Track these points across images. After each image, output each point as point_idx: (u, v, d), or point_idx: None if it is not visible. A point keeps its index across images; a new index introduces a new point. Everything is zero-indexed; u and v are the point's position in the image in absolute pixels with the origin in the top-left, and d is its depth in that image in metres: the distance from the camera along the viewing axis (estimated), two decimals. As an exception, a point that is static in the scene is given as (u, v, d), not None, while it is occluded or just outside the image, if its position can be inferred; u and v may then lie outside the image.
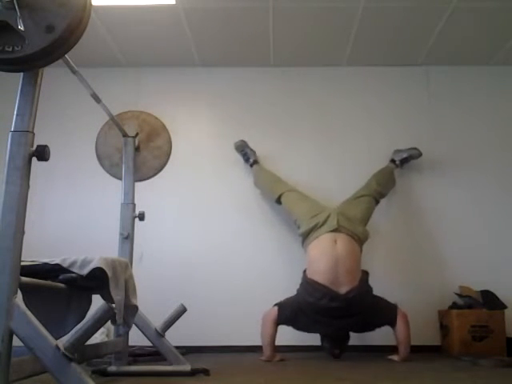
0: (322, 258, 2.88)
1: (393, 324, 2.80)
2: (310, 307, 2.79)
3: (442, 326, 3.28)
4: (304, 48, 3.62)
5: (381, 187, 3.37)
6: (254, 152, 3.62)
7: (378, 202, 3.34)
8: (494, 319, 3.07)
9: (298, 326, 2.90)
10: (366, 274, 2.94)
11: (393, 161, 3.57)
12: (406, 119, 3.76)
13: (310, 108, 3.80)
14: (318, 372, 2.41)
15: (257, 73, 3.87)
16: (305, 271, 2.98)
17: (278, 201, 3.41)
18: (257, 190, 3.64)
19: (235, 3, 3.11)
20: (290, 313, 2.83)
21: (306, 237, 3.08)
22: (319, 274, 2.83)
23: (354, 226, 3.04)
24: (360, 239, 3.04)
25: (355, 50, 3.63)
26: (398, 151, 3.59)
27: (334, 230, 2.96)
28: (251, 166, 3.62)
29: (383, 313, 2.82)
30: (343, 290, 2.78)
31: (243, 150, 3.62)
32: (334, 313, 2.75)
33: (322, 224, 3.02)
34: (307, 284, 2.88)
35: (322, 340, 2.98)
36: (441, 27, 3.32)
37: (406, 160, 3.57)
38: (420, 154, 3.56)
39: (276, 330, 2.84)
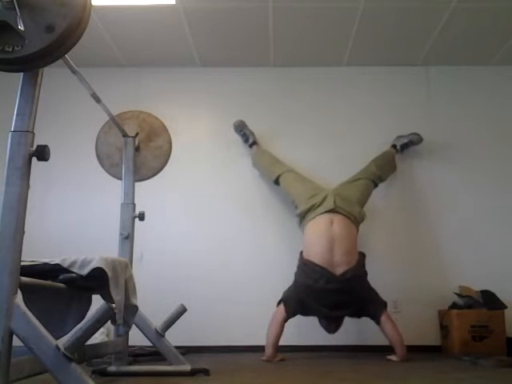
0: (319, 238, 2.91)
1: (376, 319, 2.82)
2: (310, 290, 2.81)
3: (442, 326, 3.28)
4: (304, 48, 3.62)
5: (380, 171, 3.38)
6: (253, 133, 3.63)
7: (376, 185, 3.36)
8: (494, 319, 3.07)
9: (308, 313, 2.92)
10: (362, 255, 2.97)
11: (394, 146, 3.59)
12: (405, 119, 3.75)
13: (310, 108, 3.80)
14: (318, 372, 2.41)
15: (257, 73, 3.87)
16: (301, 252, 3.00)
17: (276, 181, 3.42)
18: (258, 188, 3.64)
19: (235, 3, 3.11)
20: (295, 304, 2.86)
21: (302, 217, 3.11)
22: (316, 255, 2.86)
23: (351, 206, 3.06)
24: (356, 220, 3.06)
25: (355, 50, 3.63)
26: (399, 137, 3.62)
27: (331, 211, 2.99)
28: (250, 146, 3.63)
29: (372, 304, 2.85)
30: (339, 270, 2.81)
31: (242, 130, 3.63)
32: (331, 296, 2.78)
33: (319, 205, 3.04)
34: (304, 265, 2.90)
35: (319, 318, 2.99)
36: (441, 27, 3.32)
37: (406, 145, 3.58)
38: (421, 139, 3.58)
39: (282, 330, 2.86)
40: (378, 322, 2.83)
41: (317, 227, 2.97)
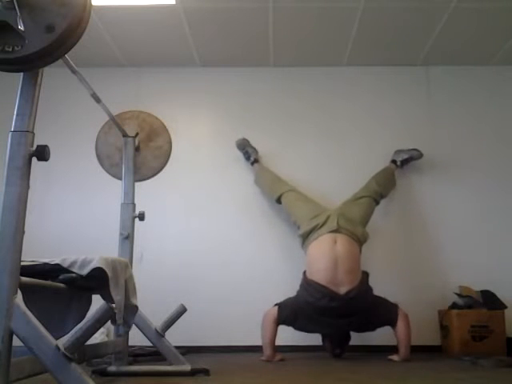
0: (322, 258, 2.88)
1: (393, 324, 2.80)
2: (310, 307, 2.79)
3: (442, 325, 3.28)
4: (304, 48, 3.62)
5: (381, 188, 3.36)
6: (256, 151, 3.62)
7: (377, 203, 3.34)
8: (494, 319, 3.07)
9: (298, 326, 2.90)
10: (366, 274, 2.94)
11: (394, 161, 3.57)
12: (405, 119, 3.76)
13: (309, 108, 3.81)
14: (318, 372, 2.41)
15: (257, 73, 3.87)
16: (304, 272, 2.98)
17: (278, 200, 3.41)
18: (257, 189, 3.64)
19: (235, 3, 3.11)
20: (289, 313, 2.83)
21: (305, 238, 3.08)
22: (319, 275, 2.83)
23: (354, 226, 3.04)
24: (360, 240, 3.04)
25: (355, 50, 3.63)
26: (399, 152, 3.59)
27: (334, 231, 2.96)
28: (252, 164, 3.62)
29: (383, 313, 2.82)
30: (343, 290, 2.78)
31: (244, 148, 3.62)
32: (334, 312, 2.76)
33: (322, 225, 3.02)
34: (307, 285, 2.88)
35: (323, 340, 2.99)
36: (441, 27, 3.32)
37: (406, 161, 3.56)
38: (421, 155, 3.56)
39: (276, 330, 2.84)
40: (394, 326, 2.80)
41: (320, 247, 2.95)
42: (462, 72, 3.82)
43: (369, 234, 3.13)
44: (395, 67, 3.84)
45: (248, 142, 3.62)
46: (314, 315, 2.80)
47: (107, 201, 3.36)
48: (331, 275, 2.80)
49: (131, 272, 2.08)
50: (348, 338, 2.95)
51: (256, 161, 3.60)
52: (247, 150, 3.61)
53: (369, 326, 2.90)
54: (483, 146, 3.69)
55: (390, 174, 3.52)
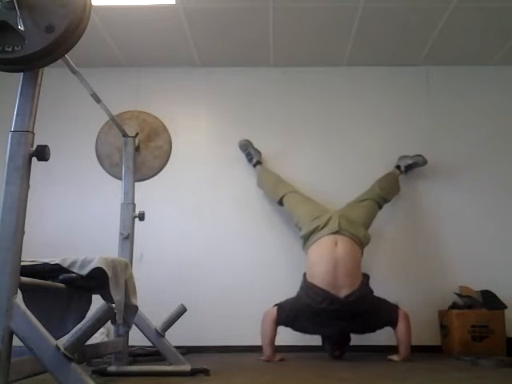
0: (322, 260, 2.87)
1: (394, 325, 2.79)
2: (310, 309, 2.78)
3: (442, 326, 3.28)
4: (304, 48, 3.62)
5: (384, 192, 3.36)
6: (259, 152, 3.61)
7: (380, 207, 3.33)
8: (494, 319, 3.07)
9: (297, 327, 2.89)
10: (366, 277, 2.93)
11: (398, 167, 3.57)
12: (406, 119, 3.76)
13: (309, 108, 3.81)
14: (318, 372, 2.41)
15: (257, 73, 3.87)
16: (305, 274, 2.97)
17: (280, 202, 3.41)
18: (258, 190, 3.63)
19: (235, 3, 3.11)
20: (289, 313, 2.83)
21: (306, 239, 3.08)
22: (319, 277, 2.83)
23: (356, 228, 3.03)
24: (361, 242, 3.03)
25: (355, 50, 3.63)
26: (403, 157, 3.59)
27: (335, 233, 2.96)
28: (254, 166, 3.61)
29: (384, 314, 2.82)
30: (343, 293, 2.77)
31: (247, 149, 3.61)
32: (334, 315, 2.75)
33: (323, 226, 3.01)
34: (307, 288, 2.87)
35: (323, 341, 2.99)
36: (441, 27, 3.32)
37: (410, 166, 3.56)
38: (425, 162, 3.55)
39: (276, 330, 2.84)
40: (395, 327, 2.79)
41: (321, 249, 2.93)
42: (462, 72, 3.82)
43: (371, 237, 3.13)
44: (395, 67, 3.84)
45: (251, 143, 3.61)
46: (313, 317, 2.79)
47: (107, 201, 3.36)
48: (331, 278, 2.79)
49: (131, 272, 2.09)
50: (348, 339, 2.95)
51: (258, 163, 3.59)
52: (249, 152, 3.61)
53: (369, 327, 2.89)
54: (483, 146, 3.69)
55: (394, 179, 3.51)
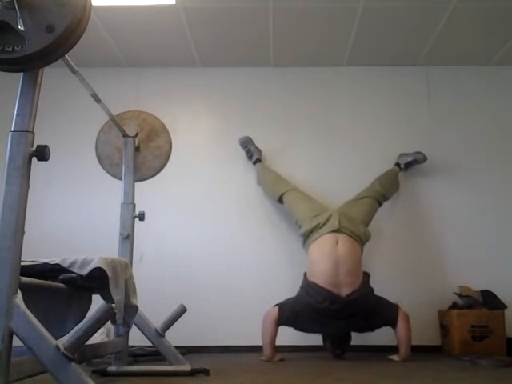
0: (323, 259, 2.87)
1: (393, 324, 2.79)
2: (311, 308, 2.79)
3: (442, 326, 3.28)
4: (304, 48, 3.62)
5: (384, 190, 3.36)
6: (259, 150, 3.61)
7: (380, 205, 3.33)
8: (494, 319, 3.07)
9: (299, 327, 2.89)
10: (367, 275, 2.93)
11: (397, 164, 3.57)
12: (406, 119, 3.76)
13: (309, 108, 3.80)
14: (318, 372, 2.41)
15: (257, 73, 3.87)
16: (305, 274, 2.97)
17: (280, 200, 3.40)
18: (258, 188, 3.63)
19: (235, 3, 3.11)
20: (290, 313, 2.83)
21: (306, 237, 3.07)
22: (320, 276, 2.83)
23: (356, 226, 3.03)
24: (361, 240, 3.03)
25: (355, 50, 3.63)
26: (403, 155, 3.58)
27: (336, 231, 2.95)
28: (254, 164, 3.61)
29: (384, 313, 2.82)
30: (344, 292, 2.77)
31: (247, 146, 3.61)
32: (335, 314, 2.75)
33: (324, 224, 3.00)
34: (308, 287, 2.87)
35: (324, 340, 2.99)
36: (441, 27, 3.32)
37: (410, 164, 3.56)
38: (425, 159, 3.55)
39: (276, 330, 2.84)
40: (394, 326, 2.79)
41: (321, 248, 2.93)
42: (462, 72, 3.82)
43: (371, 234, 3.13)
44: (395, 67, 3.84)
45: (251, 140, 3.61)
46: (314, 316, 2.79)
47: (107, 201, 3.36)
48: (332, 277, 2.79)
49: (131, 272, 2.09)
50: (349, 338, 2.95)
51: (258, 160, 3.59)
52: (250, 149, 3.60)
53: (369, 327, 2.89)
54: (483, 146, 3.69)
55: (394, 176, 3.51)
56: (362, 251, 3.03)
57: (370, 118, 3.77)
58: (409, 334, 2.78)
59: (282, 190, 3.38)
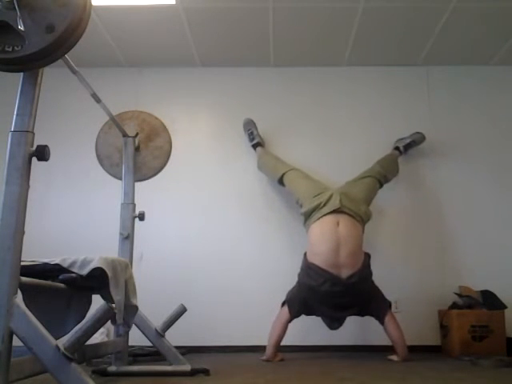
0: (324, 240, 2.86)
1: (380, 320, 2.81)
2: (312, 292, 2.80)
3: (442, 326, 3.27)
4: (304, 48, 3.62)
5: (385, 170, 3.35)
6: (260, 136, 3.61)
7: (381, 185, 3.31)
8: (494, 319, 3.07)
9: (310, 312, 2.90)
10: (367, 256, 2.93)
11: (397, 148, 3.57)
12: (406, 119, 3.75)
13: (310, 108, 3.80)
14: (318, 372, 2.41)
15: (257, 73, 3.87)
16: (305, 254, 2.96)
17: (281, 181, 3.38)
18: (258, 189, 3.63)
19: (235, 3, 3.11)
20: (299, 304, 2.84)
21: (307, 217, 3.05)
22: (320, 257, 2.82)
23: (357, 205, 3.01)
24: (362, 219, 3.02)
25: (355, 50, 3.63)
26: (400, 139, 3.59)
27: (337, 210, 2.93)
28: (254, 146, 3.60)
29: (376, 303, 2.84)
30: (344, 273, 2.77)
31: (250, 128, 3.61)
32: (336, 295, 2.77)
33: (325, 204, 2.98)
34: (308, 268, 2.87)
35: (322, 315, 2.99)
36: (441, 27, 3.32)
37: (409, 145, 3.55)
38: (423, 138, 3.55)
39: (285, 332, 2.85)
40: (382, 322, 2.82)
41: (322, 228, 2.91)
42: (462, 72, 3.82)
43: (372, 213, 3.11)
44: (395, 67, 3.84)
45: (254, 123, 3.60)
46: (317, 298, 2.80)
47: (107, 201, 3.36)
48: (333, 258, 2.79)
49: (131, 272, 2.09)
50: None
51: (259, 144, 3.58)
52: (252, 131, 3.59)
53: (361, 310, 2.88)
54: (484, 145, 3.69)
55: (394, 159, 3.51)
56: (363, 231, 3.02)
57: (370, 118, 3.77)
58: (400, 332, 2.79)
59: (283, 170, 3.36)
